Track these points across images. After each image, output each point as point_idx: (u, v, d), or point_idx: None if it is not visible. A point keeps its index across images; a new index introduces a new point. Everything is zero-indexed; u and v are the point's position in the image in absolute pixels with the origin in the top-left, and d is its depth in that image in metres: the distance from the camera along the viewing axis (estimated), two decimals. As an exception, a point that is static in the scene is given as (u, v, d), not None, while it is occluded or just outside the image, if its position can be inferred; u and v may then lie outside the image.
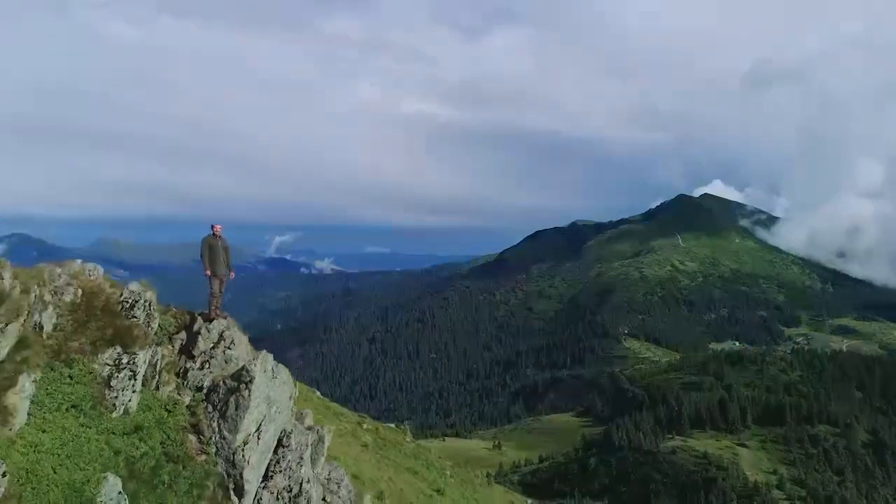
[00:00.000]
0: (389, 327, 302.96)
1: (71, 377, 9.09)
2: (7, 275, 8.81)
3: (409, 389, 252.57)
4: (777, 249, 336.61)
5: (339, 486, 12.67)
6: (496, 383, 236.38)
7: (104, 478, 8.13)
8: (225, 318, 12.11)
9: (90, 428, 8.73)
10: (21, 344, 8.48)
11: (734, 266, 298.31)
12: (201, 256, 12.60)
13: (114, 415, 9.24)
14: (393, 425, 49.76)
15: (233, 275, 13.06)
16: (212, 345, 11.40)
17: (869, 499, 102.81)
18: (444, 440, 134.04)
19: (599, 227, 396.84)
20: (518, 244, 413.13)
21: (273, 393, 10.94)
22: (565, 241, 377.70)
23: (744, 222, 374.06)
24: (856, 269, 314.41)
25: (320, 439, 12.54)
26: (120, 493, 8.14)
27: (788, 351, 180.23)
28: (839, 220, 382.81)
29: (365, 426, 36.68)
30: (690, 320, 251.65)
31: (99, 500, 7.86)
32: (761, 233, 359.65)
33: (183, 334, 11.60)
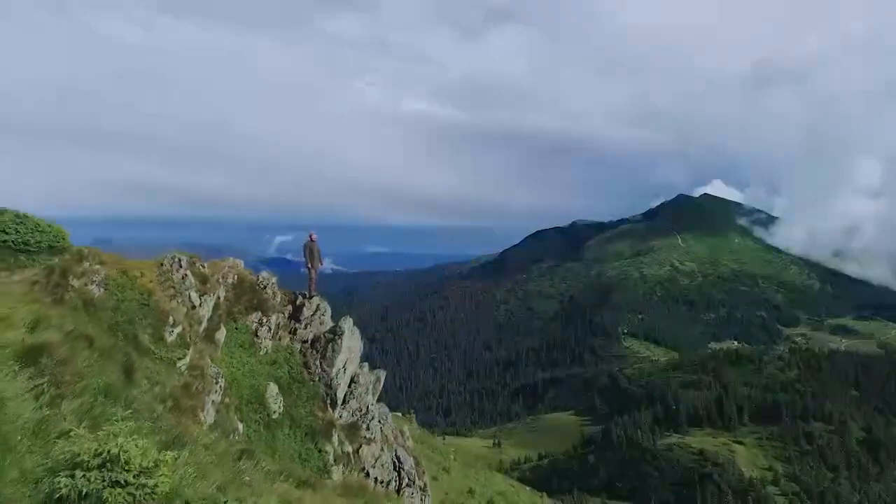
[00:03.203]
0: (389, 327, 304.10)
1: (237, 328, 15.00)
2: (206, 265, 14.97)
3: (410, 389, 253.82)
4: (776, 249, 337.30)
5: (387, 418, 17.84)
6: (496, 382, 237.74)
7: (269, 384, 14.01)
8: (319, 295, 17.47)
9: (251, 358, 14.62)
10: (215, 307, 14.33)
11: (733, 266, 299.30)
12: (304, 255, 17.91)
13: (260, 353, 15.07)
14: (399, 413, 51.57)
15: (322, 263, 18.04)
16: (312, 312, 17.13)
17: (862, 495, 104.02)
18: (444, 439, 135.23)
19: (599, 227, 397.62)
20: (518, 244, 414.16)
21: (352, 344, 16.74)
22: (565, 241, 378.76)
23: (743, 222, 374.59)
24: (854, 269, 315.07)
25: (378, 379, 18.01)
26: (277, 393, 14.03)
27: (786, 350, 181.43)
28: (838, 220, 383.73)
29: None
30: (690, 320, 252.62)
31: (267, 396, 13.53)
32: (761, 232, 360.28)
33: (290, 307, 17.17)
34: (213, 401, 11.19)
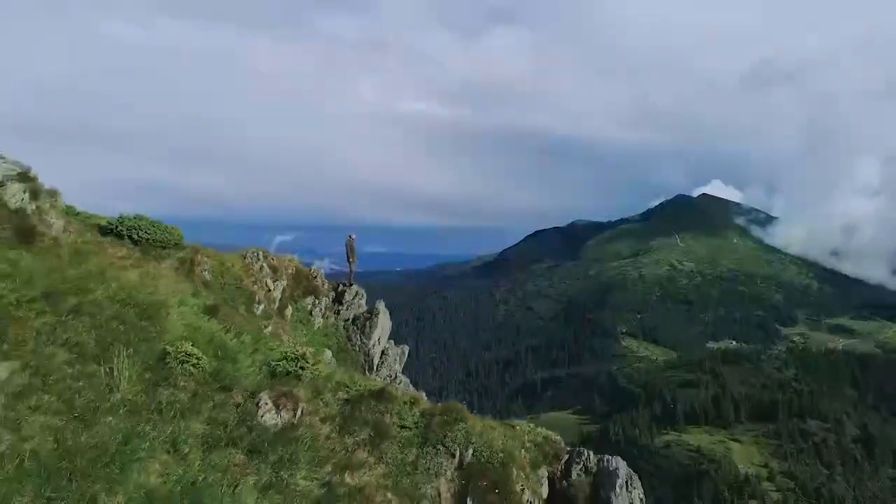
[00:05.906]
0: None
1: (297, 309, 19.28)
2: (274, 258, 19.12)
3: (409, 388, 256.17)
4: (775, 249, 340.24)
5: (409, 386, 20.88)
6: (496, 382, 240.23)
7: (325, 351, 16.93)
8: (357, 284, 21.66)
9: (309, 331, 18.68)
10: (283, 292, 18.46)
11: (732, 265, 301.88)
12: (346, 252, 21.72)
13: (314, 328, 19.14)
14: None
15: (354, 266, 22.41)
16: (352, 297, 21.36)
17: (857, 491, 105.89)
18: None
19: (599, 227, 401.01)
20: (518, 244, 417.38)
21: (384, 322, 20.78)
22: (565, 241, 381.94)
23: (742, 222, 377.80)
24: (852, 269, 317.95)
25: (403, 352, 21.76)
26: (331, 358, 16.96)
27: (784, 350, 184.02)
28: (836, 220, 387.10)
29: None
30: (688, 319, 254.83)
31: (324, 360, 15.07)
32: (759, 232, 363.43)
33: (333, 293, 21.35)
34: (288, 361, 14.51)
